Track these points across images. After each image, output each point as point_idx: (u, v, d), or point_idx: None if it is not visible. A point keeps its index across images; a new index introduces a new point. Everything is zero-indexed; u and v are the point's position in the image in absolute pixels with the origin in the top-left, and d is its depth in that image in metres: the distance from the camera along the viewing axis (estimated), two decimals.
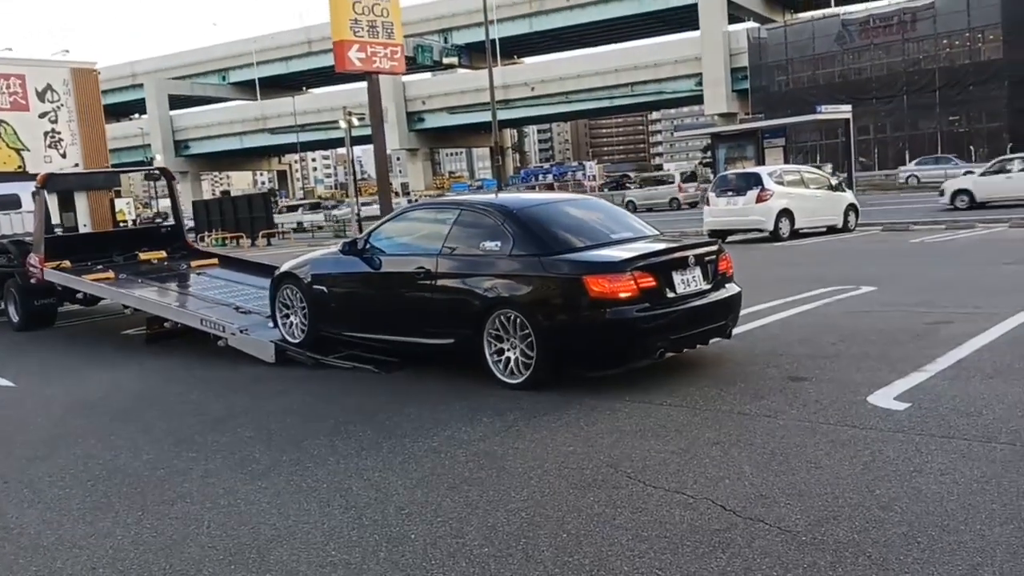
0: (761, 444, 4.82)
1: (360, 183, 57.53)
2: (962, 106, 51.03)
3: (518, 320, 6.41)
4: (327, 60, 75.57)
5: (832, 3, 61.18)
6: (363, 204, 65.86)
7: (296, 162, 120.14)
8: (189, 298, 10.67)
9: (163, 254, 12.72)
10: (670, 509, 3.99)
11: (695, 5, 65.35)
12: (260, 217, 40.41)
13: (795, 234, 18.96)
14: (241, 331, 8.72)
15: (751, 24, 65.27)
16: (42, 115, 28.72)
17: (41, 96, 29.27)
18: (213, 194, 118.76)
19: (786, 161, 25.52)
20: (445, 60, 75.55)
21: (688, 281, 6.51)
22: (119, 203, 40.82)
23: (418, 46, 68.74)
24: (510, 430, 5.48)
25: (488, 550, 3.71)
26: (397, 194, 61.72)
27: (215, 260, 12.80)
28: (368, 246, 7.73)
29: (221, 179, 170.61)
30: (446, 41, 77.08)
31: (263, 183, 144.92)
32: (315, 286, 8.08)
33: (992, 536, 3.46)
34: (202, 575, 3.72)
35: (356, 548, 3.85)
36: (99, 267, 11.87)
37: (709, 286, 6.70)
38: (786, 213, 18.81)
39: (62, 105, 30.71)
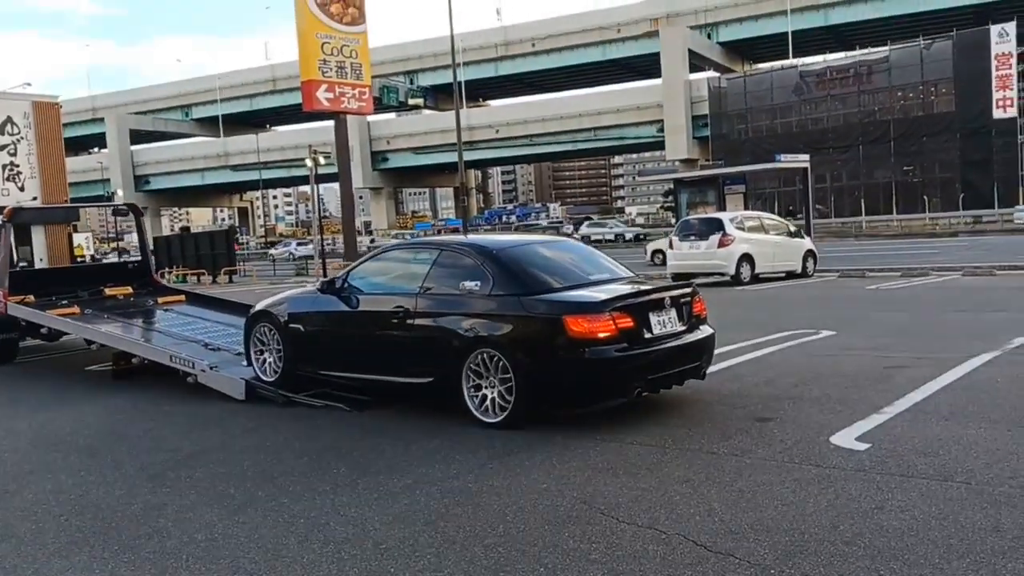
0: (730, 482, 4.97)
1: (323, 221, 57.53)
2: (916, 157, 52.47)
3: (497, 359, 6.49)
4: (292, 98, 75.88)
5: (790, 55, 62.79)
6: (299, 243, 66.22)
7: (257, 199, 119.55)
8: (157, 334, 10.63)
9: (129, 290, 12.65)
10: (644, 544, 4.11)
11: (657, 54, 66.82)
12: (221, 254, 40.14)
13: (756, 279, 19.35)
14: (211, 368, 8.71)
15: (712, 73, 66.88)
16: (1, 148, 28.51)
17: (0, 129, 29.08)
18: (172, 230, 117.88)
19: (746, 207, 26.07)
20: (411, 101, 76.30)
21: (664, 322, 6.67)
22: (77, 238, 40.41)
23: (384, 87, 69.37)
24: (483, 468, 5.57)
25: None
26: (360, 232, 61.95)
27: (182, 297, 12.76)
28: (346, 285, 7.77)
29: (180, 215, 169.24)
30: (412, 82, 77.86)
31: (223, 220, 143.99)
32: (292, 325, 8.09)
33: (950, 569, 3.63)
34: None
35: None
36: (64, 302, 11.78)
37: (684, 327, 6.86)
38: (747, 258, 19.23)
39: (22, 138, 30.52)
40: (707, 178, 28.96)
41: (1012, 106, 47.95)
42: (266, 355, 8.38)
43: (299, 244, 66.98)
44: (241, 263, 45.11)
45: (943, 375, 7.58)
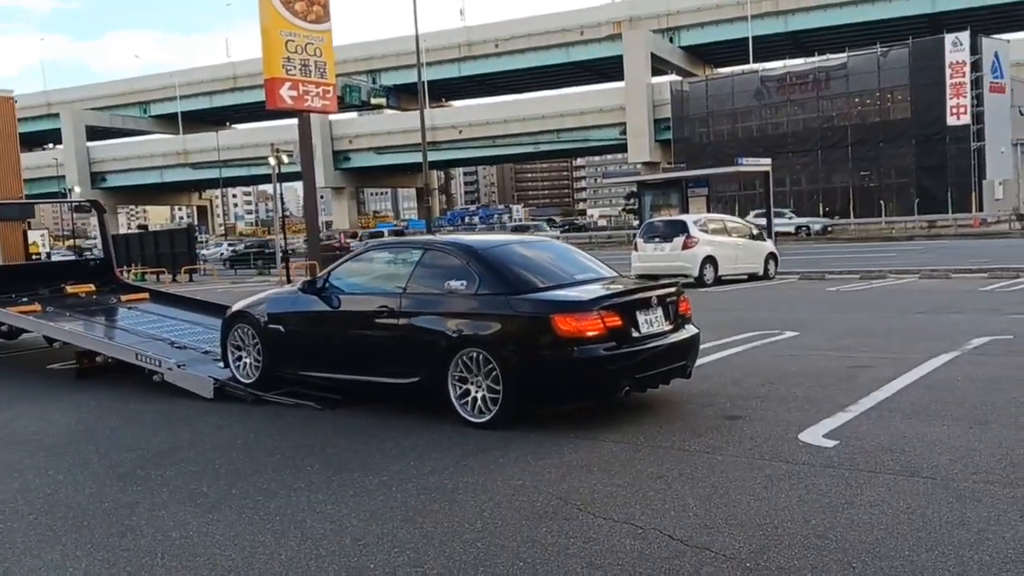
0: (702, 478, 5.05)
1: (284, 220, 56.82)
2: (873, 162, 53.36)
3: (485, 359, 6.45)
4: (253, 96, 75.26)
5: (751, 60, 63.56)
6: (230, 245, 65.15)
7: (217, 198, 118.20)
8: (122, 332, 10.49)
9: (92, 287, 12.46)
10: (620, 539, 4.16)
11: (620, 57, 67.29)
12: (182, 252, 39.69)
13: (718, 280, 19.57)
14: (178, 366, 8.62)
15: (674, 77, 67.47)
16: None
17: None
18: (129, 228, 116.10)
19: (708, 210, 26.36)
20: (373, 100, 75.96)
21: (651, 321, 6.69)
22: (33, 235, 39.68)
23: (346, 86, 68.92)
24: (459, 465, 5.59)
25: None
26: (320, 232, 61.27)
27: (146, 295, 12.60)
28: (328, 285, 7.68)
29: (137, 213, 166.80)
30: (374, 82, 77.54)
31: (181, 218, 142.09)
32: (271, 325, 7.96)
33: (920, 561, 3.74)
34: None
35: None
36: (24, 300, 11.58)
37: (671, 327, 6.89)
38: (710, 260, 19.43)
39: None
40: (670, 181, 29.23)
41: (965, 113, 48.96)
42: (243, 356, 8.24)
43: (229, 246, 65.91)
44: (201, 262, 44.66)
45: (905, 374, 7.75)
